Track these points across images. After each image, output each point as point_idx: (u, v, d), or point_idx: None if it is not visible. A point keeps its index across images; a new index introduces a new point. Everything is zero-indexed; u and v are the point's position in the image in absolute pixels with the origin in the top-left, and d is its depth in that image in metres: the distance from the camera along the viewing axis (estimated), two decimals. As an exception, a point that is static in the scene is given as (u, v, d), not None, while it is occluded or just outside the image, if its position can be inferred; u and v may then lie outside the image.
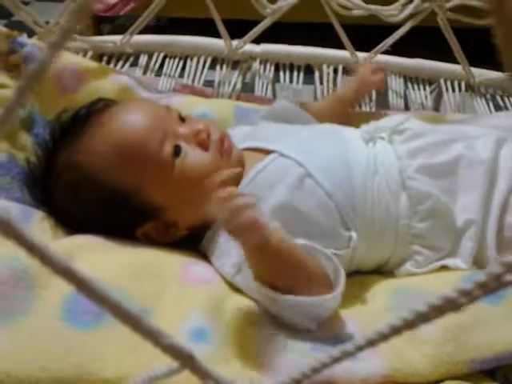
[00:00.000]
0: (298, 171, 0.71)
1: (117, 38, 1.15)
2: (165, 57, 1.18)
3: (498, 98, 1.18)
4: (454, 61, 1.16)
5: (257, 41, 1.16)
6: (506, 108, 1.15)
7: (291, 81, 1.17)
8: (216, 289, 0.67)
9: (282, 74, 1.18)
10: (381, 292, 0.70)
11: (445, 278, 0.69)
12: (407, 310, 0.25)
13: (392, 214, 0.72)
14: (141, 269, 0.66)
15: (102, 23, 1.91)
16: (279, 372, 0.57)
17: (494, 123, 0.89)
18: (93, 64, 1.00)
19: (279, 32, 1.20)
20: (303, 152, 0.74)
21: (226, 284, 0.69)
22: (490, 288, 0.22)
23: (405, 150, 0.75)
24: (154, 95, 1.02)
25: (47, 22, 1.03)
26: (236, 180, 0.74)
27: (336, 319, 0.64)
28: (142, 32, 1.15)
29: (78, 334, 0.56)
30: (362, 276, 0.73)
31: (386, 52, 1.17)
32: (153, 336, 0.25)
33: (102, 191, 0.70)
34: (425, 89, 1.19)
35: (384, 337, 0.24)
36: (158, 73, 1.16)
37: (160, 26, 1.90)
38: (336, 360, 0.25)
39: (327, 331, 0.62)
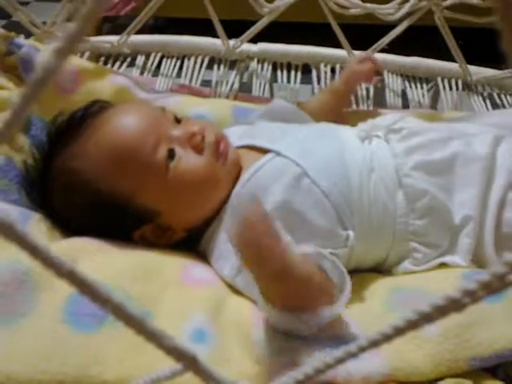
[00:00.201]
0: (295, 171, 0.71)
1: (114, 38, 1.15)
2: (162, 57, 1.18)
3: (495, 95, 1.19)
4: (451, 59, 1.16)
5: (254, 40, 1.16)
6: (504, 106, 1.16)
7: (289, 80, 1.18)
8: (215, 290, 0.67)
9: (279, 73, 1.18)
10: (380, 290, 0.69)
11: (444, 275, 0.69)
12: (410, 310, 0.25)
13: (389, 212, 0.72)
14: (140, 271, 0.66)
15: (103, 23, 1.90)
16: (280, 373, 0.56)
17: (492, 121, 0.89)
18: (90, 65, 1.00)
19: (276, 31, 1.20)
20: (300, 151, 0.74)
21: (226, 285, 0.69)
22: (493, 288, 0.22)
23: (401, 149, 0.75)
24: (152, 95, 1.02)
25: (44, 23, 1.03)
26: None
27: (336, 319, 0.63)
28: (140, 32, 1.14)
29: (79, 337, 0.56)
30: (362, 274, 0.73)
31: (383, 50, 1.17)
32: (156, 338, 0.25)
33: (97, 195, 0.70)
34: (422, 87, 1.20)
35: (387, 337, 0.24)
36: (156, 73, 1.16)
37: (158, 26, 1.89)
38: (339, 361, 0.25)
39: (327, 331, 0.61)
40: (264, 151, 0.76)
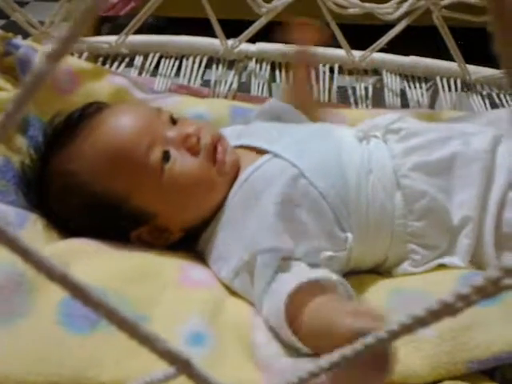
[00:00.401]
0: (292, 172, 0.71)
1: (112, 38, 1.15)
2: (160, 57, 1.18)
3: (494, 95, 1.19)
4: (450, 58, 1.16)
5: (252, 40, 1.16)
6: (502, 105, 1.16)
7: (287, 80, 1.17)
8: (214, 292, 0.67)
9: (278, 73, 1.18)
10: (380, 292, 0.69)
11: (442, 276, 0.69)
12: (404, 313, 0.25)
13: (387, 213, 0.72)
14: (137, 272, 0.66)
15: (104, 23, 1.90)
16: (276, 376, 0.56)
17: (491, 120, 0.89)
18: (88, 65, 0.99)
19: (275, 31, 1.19)
20: (297, 152, 0.73)
21: (224, 287, 0.69)
22: (487, 292, 0.22)
23: (400, 149, 0.74)
24: (150, 96, 1.02)
25: (42, 23, 1.03)
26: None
27: None
28: (140, 32, 1.14)
29: (75, 338, 0.55)
30: (361, 276, 0.73)
31: (381, 50, 1.17)
32: (149, 341, 0.25)
33: (93, 197, 0.70)
34: (421, 87, 1.19)
35: (382, 341, 0.24)
36: (154, 73, 1.16)
37: (159, 26, 1.89)
38: (335, 365, 0.25)
39: None
40: (261, 152, 0.75)
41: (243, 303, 0.67)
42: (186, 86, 1.13)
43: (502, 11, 0.20)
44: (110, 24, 1.83)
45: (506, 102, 1.16)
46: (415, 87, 1.19)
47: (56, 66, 0.21)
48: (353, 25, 1.22)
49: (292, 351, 0.59)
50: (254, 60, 1.18)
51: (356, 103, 1.16)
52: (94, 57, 1.14)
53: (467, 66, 1.17)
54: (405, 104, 1.18)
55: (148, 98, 1.00)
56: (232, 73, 1.16)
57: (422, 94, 1.18)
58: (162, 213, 0.72)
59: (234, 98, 1.12)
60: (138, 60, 1.17)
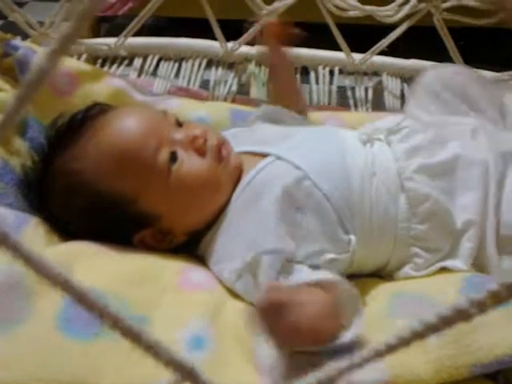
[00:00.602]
0: (296, 174, 0.71)
1: (111, 40, 1.15)
2: (160, 59, 1.18)
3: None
4: (450, 61, 1.16)
5: (252, 43, 1.16)
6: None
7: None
8: (214, 295, 0.66)
9: (277, 75, 1.17)
10: (382, 295, 0.69)
11: (444, 279, 0.69)
12: (415, 319, 0.24)
13: (391, 216, 0.71)
14: (138, 275, 0.65)
15: (101, 23, 1.89)
16: (276, 379, 0.56)
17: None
18: (87, 67, 0.99)
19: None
20: (300, 154, 0.73)
21: (225, 289, 0.68)
22: (501, 298, 0.21)
23: (402, 150, 0.74)
24: (149, 98, 1.01)
25: (41, 23, 1.02)
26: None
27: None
28: (140, 32, 1.14)
29: (74, 344, 0.55)
30: (363, 279, 0.72)
31: (382, 53, 1.16)
32: (153, 349, 0.24)
33: (97, 197, 0.69)
34: (421, 89, 1.19)
35: (392, 348, 0.23)
36: (153, 75, 1.16)
37: (160, 26, 1.89)
38: (342, 372, 0.24)
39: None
40: (264, 155, 0.75)
41: (244, 306, 0.66)
42: (185, 89, 1.13)
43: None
44: (108, 24, 1.82)
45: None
46: (415, 90, 1.19)
47: (55, 64, 0.20)
48: (354, 26, 1.21)
49: (293, 354, 0.59)
50: (253, 62, 1.17)
51: (356, 106, 1.16)
52: (92, 58, 1.14)
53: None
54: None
55: (147, 100, 1.00)
56: (231, 75, 1.15)
57: (422, 97, 1.18)
58: (167, 214, 0.71)
59: (233, 100, 1.12)
60: (137, 62, 1.17)
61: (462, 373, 0.57)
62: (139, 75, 1.15)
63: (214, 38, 1.13)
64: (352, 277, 0.71)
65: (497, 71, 1.17)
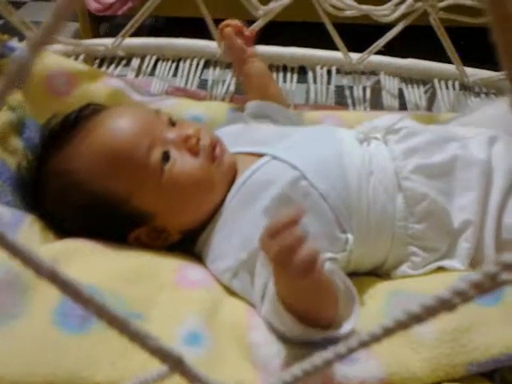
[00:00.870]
0: (292, 174, 0.71)
1: (109, 41, 1.15)
2: (157, 60, 1.18)
3: (493, 97, 1.18)
4: (448, 60, 1.16)
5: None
6: (501, 107, 1.15)
7: (284, 81, 1.17)
8: (211, 292, 0.66)
9: (275, 75, 1.18)
10: (379, 294, 0.69)
11: (441, 279, 0.69)
12: (400, 310, 0.24)
13: (388, 216, 0.71)
14: (134, 273, 0.65)
15: (101, 23, 1.89)
16: (272, 376, 0.56)
17: (489, 115, 0.89)
18: (84, 67, 0.99)
19: (271, 32, 1.19)
20: (297, 154, 0.73)
21: (221, 287, 0.68)
22: (484, 288, 0.22)
23: (400, 150, 0.74)
24: (147, 98, 1.02)
25: (41, 23, 1.02)
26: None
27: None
28: (138, 32, 1.14)
29: (70, 338, 0.55)
30: (360, 278, 0.73)
31: (379, 52, 1.16)
32: (139, 339, 0.25)
33: (91, 197, 0.70)
34: (419, 89, 1.19)
35: (376, 338, 0.23)
36: (151, 75, 1.16)
37: (157, 26, 1.89)
38: (328, 362, 0.24)
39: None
40: (260, 156, 0.75)
41: (241, 303, 0.66)
42: (182, 89, 1.13)
43: (503, 13, 0.20)
44: (108, 24, 1.83)
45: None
46: (413, 89, 1.19)
47: (37, 55, 0.20)
48: (350, 25, 1.22)
49: (289, 351, 0.59)
50: (251, 62, 1.17)
51: (354, 105, 1.16)
52: (90, 59, 1.14)
53: (465, 68, 1.16)
54: (403, 106, 1.18)
55: (145, 100, 1.00)
56: (229, 75, 1.15)
57: (420, 97, 1.18)
58: (161, 213, 0.71)
59: (231, 100, 1.12)
60: (135, 62, 1.17)
61: (458, 371, 0.57)
62: (137, 75, 1.15)
63: (211, 37, 1.13)
64: (349, 275, 0.71)
65: (496, 71, 1.17)
